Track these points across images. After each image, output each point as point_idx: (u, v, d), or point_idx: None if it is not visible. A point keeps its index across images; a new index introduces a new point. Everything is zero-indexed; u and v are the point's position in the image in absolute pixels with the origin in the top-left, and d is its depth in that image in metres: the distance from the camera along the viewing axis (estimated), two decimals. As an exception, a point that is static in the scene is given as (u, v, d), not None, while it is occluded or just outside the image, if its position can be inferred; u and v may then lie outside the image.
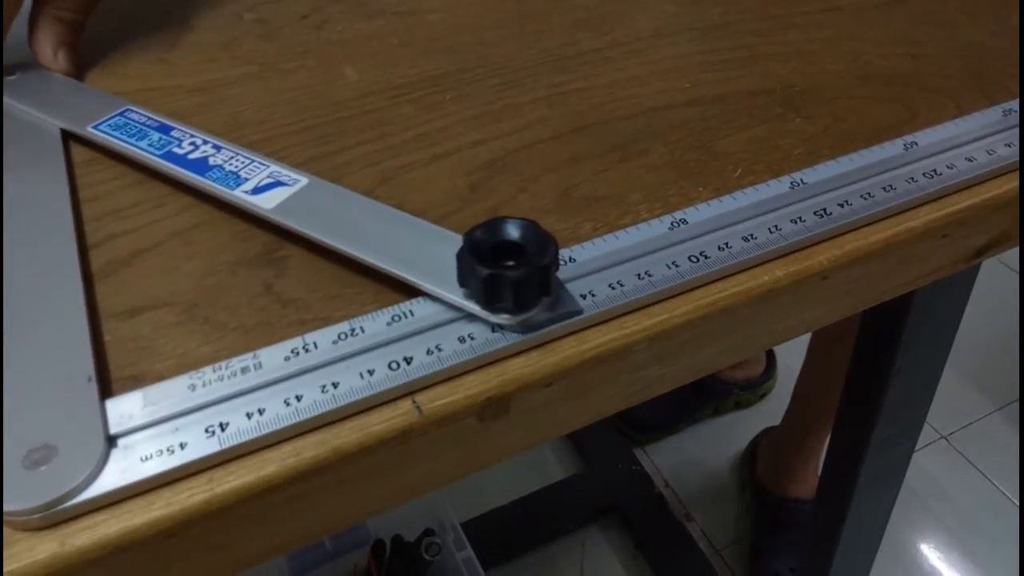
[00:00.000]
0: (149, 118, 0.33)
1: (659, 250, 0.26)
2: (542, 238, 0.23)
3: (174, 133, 0.32)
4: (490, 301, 0.23)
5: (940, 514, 1.11)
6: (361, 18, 0.43)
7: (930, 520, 1.11)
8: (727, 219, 0.27)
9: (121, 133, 0.32)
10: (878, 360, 0.55)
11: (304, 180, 0.29)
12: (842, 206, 0.27)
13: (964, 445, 1.20)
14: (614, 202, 0.30)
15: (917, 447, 0.71)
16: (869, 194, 0.28)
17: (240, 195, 0.28)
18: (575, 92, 0.36)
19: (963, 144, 0.31)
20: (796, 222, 0.27)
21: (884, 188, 0.28)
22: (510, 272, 0.22)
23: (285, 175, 0.29)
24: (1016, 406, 1.24)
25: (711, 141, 0.33)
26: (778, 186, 0.29)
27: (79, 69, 0.37)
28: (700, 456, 1.18)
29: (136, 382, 0.23)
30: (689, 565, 1.01)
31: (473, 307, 0.23)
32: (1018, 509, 1.11)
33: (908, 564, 1.06)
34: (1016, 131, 0.32)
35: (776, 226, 0.27)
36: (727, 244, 0.26)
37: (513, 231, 0.24)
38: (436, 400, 0.22)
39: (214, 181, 0.29)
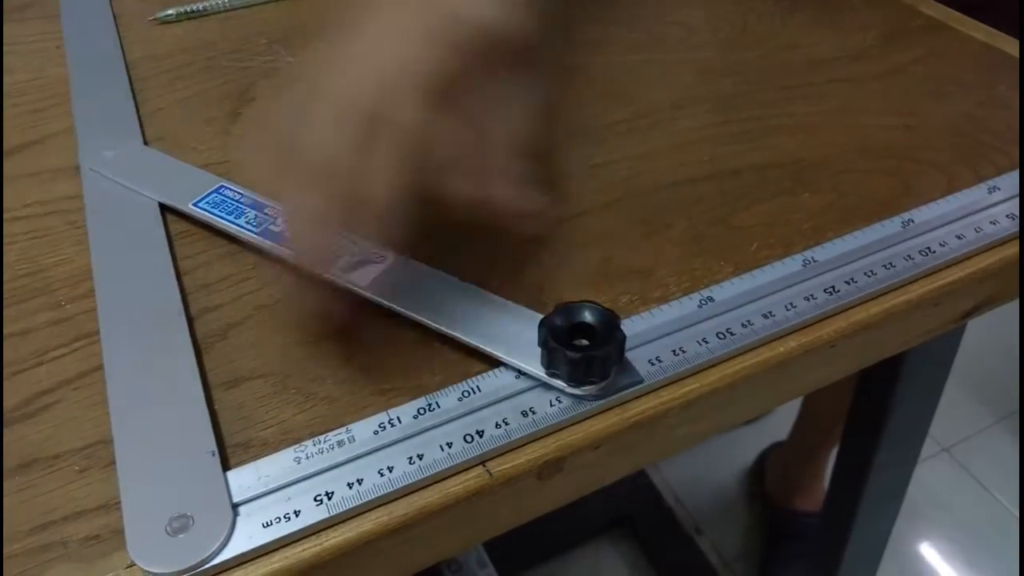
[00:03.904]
0: (243, 195, 0.36)
1: (691, 326, 0.30)
2: (610, 319, 0.27)
3: (267, 211, 0.35)
4: (575, 376, 0.27)
5: (941, 526, 1.15)
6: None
7: (932, 532, 1.14)
8: (748, 296, 0.31)
9: (220, 210, 0.35)
10: (880, 389, 0.59)
11: (389, 258, 0.32)
12: (849, 283, 0.31)
13: (965, 457, 1.24)
14: (645, 276, 0.34)
15: (919, 459, 0.74)
16: (872, 271, 0.32)
17: (336, 273, 0.31)
18: (603, 166, 0.40)
19: (954, 220, 0.35)
20: (809, 299, 0.31)
21: (885, 266, 0.32)
22: (594, 351, 0.26)
23: (372, 252, 0.32)
24: (1015, 418, 1.28)
25: (729, 215, 0.37)
26: (792, 264, 0.33)
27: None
28: (709, 470, 1.21)
29: (245, 449, 0.27)
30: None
31: (558, 382, 0.28)
32: (1017, 519, 1.15)
33: (909, 575, 1.10)
34: (1000, 208, 0.36)
35: (791, 303, 0.31)
36: (749, 322, 0.30)
37: (586, 315, 0.28)
38: (503, 465, 0.27)
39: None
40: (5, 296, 0.33)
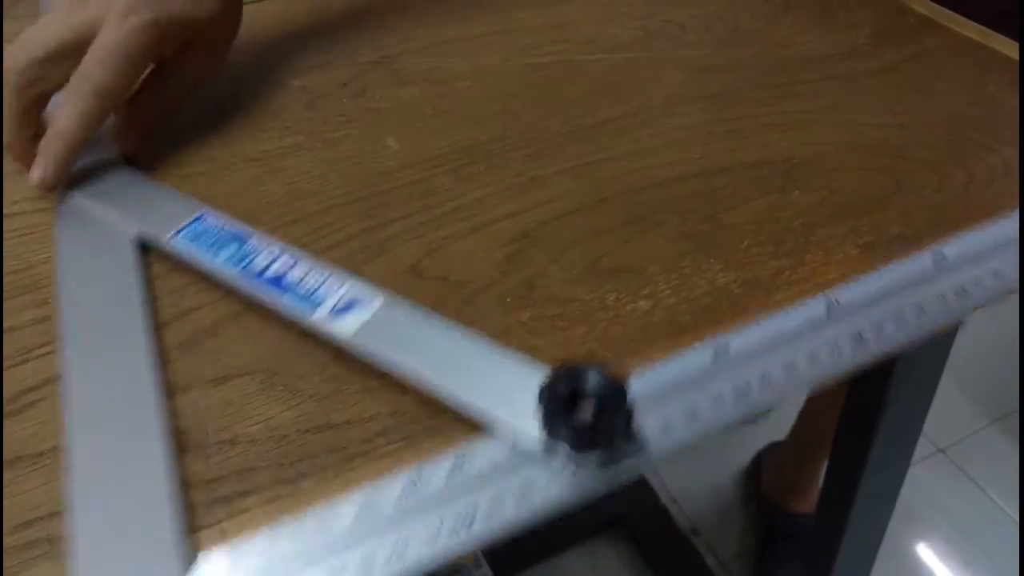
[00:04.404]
0: (224, 226, 0.34)
1: (704, 382, 0.28)
2: (617, 387, 0.25)
3: (251, 242, 0.34)
4: (578, 449, 0.25)
5: (937, 527, 1.15)
6: (396, 85, 0.47)
7: (928, 533, 1.14)
8: (770, 343, 0.29)
9: (199, 244, 0.33)
10: (873, 389, 0.59)
11: (379, 300, 0.31)
12: (879, 329, 0.30)
13: (961, 458, 1.24)
14: (635, 273, 0.34)
15: (914, 460, 0.74)
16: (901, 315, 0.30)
17: (319, 321, 0.30)
18: (597, 163, 0.40)
19: (984, 259, 0.33)
20: (834, 352, 0.29)
21: (915, 309, 0.31)
22: (605, 421, 0.24)
23: (361, 293, 0.31)
24: (1012, 418, 1.28)
25: (720, 212, 0.37)
26: (816, 305, 0.31)
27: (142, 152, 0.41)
28: (705, 470, 1.21)
29: (231, 445, 0.27)
30: (697, 577, 1.05)
31: (558, 455, 0.26)
32: (1013, 520, 1.15)
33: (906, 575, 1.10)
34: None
35: (814, 355, 0.29)
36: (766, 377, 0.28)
37: (590, 380, 0.25)
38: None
39: (295, 301, 0.31)
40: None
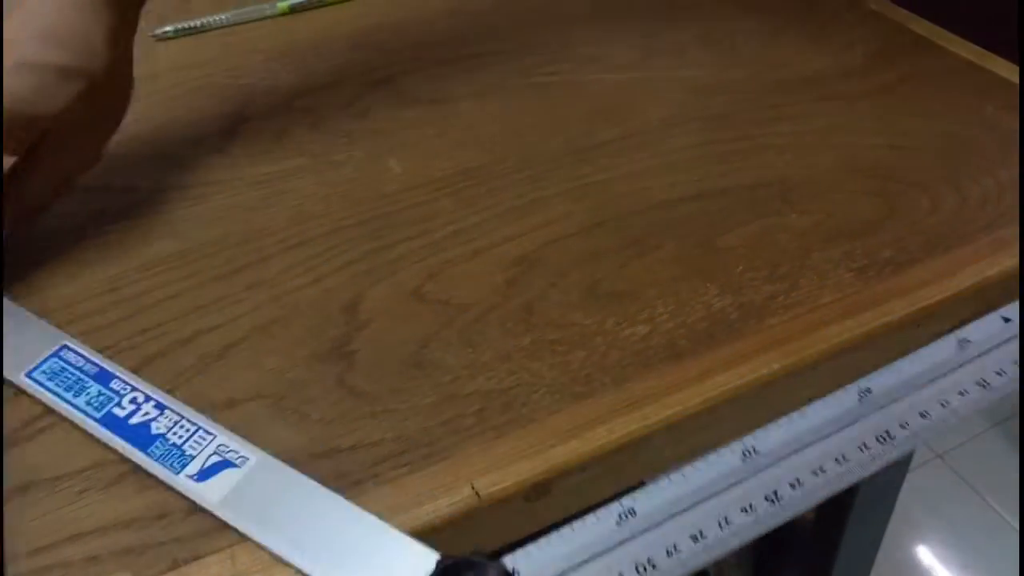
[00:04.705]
0: (87, 361, 0.31)
1: (605, 553, 0.25)
2: None
3: (114, 384, 0.30)
4: None
5: (936, 532, 1.16)
6: (399, 106, 0.48)
7: (927, 537, 1.15)
8: (681, 505, 0.26)
9: (56, 383, 0.30)
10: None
11: (253, 458, 0.28)
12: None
13: (959, 463, 1.24)
14: (633, 298, 0.34)
15: (913, 466, 0.75)
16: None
17: (184, 481, 0.27)
18: (595, 185, 0.41)
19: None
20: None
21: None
22: None
23: (233, 451, 0.28)
24: (1011, 424, 1.29)
25: (716, 236, 0.38)
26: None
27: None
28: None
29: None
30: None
31: None
32: (1012, 526, 1.15)
33: (905, 581, 1.11)
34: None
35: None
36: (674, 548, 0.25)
37: None
38: (491, 487, 0.27)
39: (157, 459, 0.28)
40: None
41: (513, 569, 0.24)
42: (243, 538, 0.26)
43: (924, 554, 1.13)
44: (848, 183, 0.41)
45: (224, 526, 0.26)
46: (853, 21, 0.55)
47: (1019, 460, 1.23)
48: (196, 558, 0.25)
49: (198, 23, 0.55)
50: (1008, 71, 0.49)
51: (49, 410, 0.30)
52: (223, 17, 0.56)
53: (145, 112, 0.46)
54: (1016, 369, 0.30)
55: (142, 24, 0.38)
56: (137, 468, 0.28)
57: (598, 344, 0.32)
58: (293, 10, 0.57)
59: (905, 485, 0.78)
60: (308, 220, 0.39)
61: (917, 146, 0.43)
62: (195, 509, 0.27)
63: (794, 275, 0.35)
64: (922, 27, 0.54)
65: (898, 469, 0.75)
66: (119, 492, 0.27)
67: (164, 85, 0.49)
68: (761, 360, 0.31)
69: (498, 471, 0.28)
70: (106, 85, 0.35)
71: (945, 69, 0.50)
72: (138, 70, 0.38)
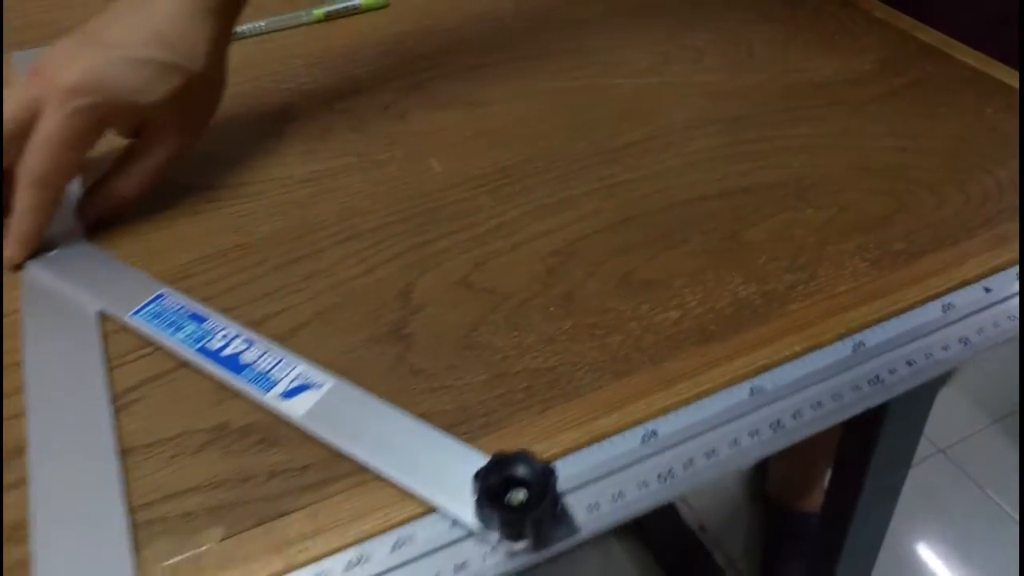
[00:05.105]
0: (183, 306, 0.36)
1: (632, 465, 0.29)
2: (545, 474, 0.27)
3: (207, 324, 0.35)
4: (510, 534, 0.27)
5: (938, 526, 1.18)
6: (435, 109, 0.51)
7: (929, 531, 1.17)
8: (691, 431, 0.30)
9: (159, 322, 0.35)
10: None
11: (330, 382, 0.32)
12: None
13: (961, 458, 1.27)
14: (664, 287, 0.37)
15: (915, 461, 0.77)
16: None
17: (271, 401, 0.31)
18: (622, 184, 0.44)
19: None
20: (753, 435, 0.31)
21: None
22: (528, 513, 0.26)
23: (313, 377, 0.32)
24: (1011, 419, 1.31)
25: (739, 230, 0.40)
26: (739, 392, 0.32)
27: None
28: (712, 471, 1.25)
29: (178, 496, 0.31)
30: (706, 573, 1.08)
31: (492, 535, 0.27)
32: (1013, 519, 1.18)
33: (907, 574, 1.13)
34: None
35: (735, 439, 0.30)
36: (691, 461, 0.29)
37: (520, 469, 0.27)
38: None
39: (249, 382, 0.32)
40: None
41: (553, 466, 0.27)
42: (324, 497, 0.29)
43: (926, 547, 1.16)
44: (860, 182, 0.44)
45: (302, 488, 0.29)
46: (860, 30, 0.58)
47: (1019, 454, 1.26)
48: (281, 515, 0.28)
49: (238, 30, 0.58)
50: (1008, 76, 0.52)
51: (148, 342, 0.34)
52: (261, 24, 0.59)
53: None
54: (995, 331, 0.35)
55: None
56: (219, 437, 0.31)
57: (633, 328, 0.35)
58: (328, 17, 0.60)
59: (908, 479, 0.80)
60: (356, 215, 0.42)
61: (924, 148, 0.46)
62: (276, 472, 0.30)
63: (813, 265, 0.38)
64: (927, 35, 0.56)
65: (902, 462, 0.77)
66: (206, 458, 0.30)
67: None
68: (784, 342, 0.34)
69: (547, 440, 0.31)
70: (201, 84, 0.40)
71: (949, 75, 0.53)
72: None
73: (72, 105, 0.36)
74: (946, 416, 1.29)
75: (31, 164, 0.36)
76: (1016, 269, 0.38)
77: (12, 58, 0.55)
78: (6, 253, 0.38)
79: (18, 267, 0.38)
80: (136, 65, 0.37)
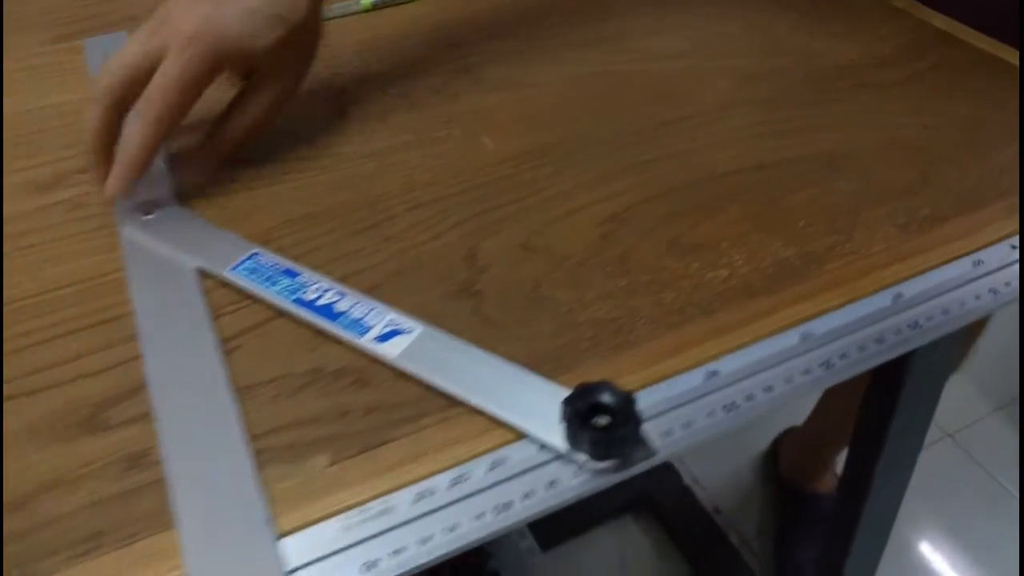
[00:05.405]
0: (276, 263, 0.39)
1: (699, 399, 0.33)
2: (627, 401, 0.30)
3: (300, 278, 0.38)
4: (596, 454, 0.30)
5: (945, 507, 1.21)
6: (483, 91, 0.54)
7: (936, 513, 1.21)
8: (751, 369, 0.34)
9: (256, 277, 0.38)
10: (888, 384, 0.65)
11: (418, 328, 0.35)
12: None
13: (968, 443, 1.30)
14: (711, 248, 0.40)
15: (924, 445, 0.81)
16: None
17: (368, 344, 0.34)
18: (659, 160, 0.47)
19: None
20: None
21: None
22: (613, 433, 0.29)
23: (402, 322, 0.35)
24: (1016, 406, 1.35)
25: (778, 198, 0.44)
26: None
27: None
28: (725, 453, 1.28)
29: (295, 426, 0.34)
30: (721, 553, 1.11)
31: (580, 456, 0.30)
32: (1014, 497, 1.21)
33: (915, 554, 1.17)
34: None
35: (790, 378, 0.34)
36: (751, 396, 0.33)
37: (605, 397, 0.30)
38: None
39: (344, 328, 0.35)
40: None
41: (635, 396, 0.31)
42: (419, 429, 0.32)
43: (933, 529, 1.19)
44: (888, 156, 0.47)
45: (397, 421, 0.32)
46: (880, 18, 0.61)
47: (1019, 440, 1.29)
48: (382, 443, 0.31)
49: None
50: (1015, 58, 0.55)
51: (245, 296, 0.38)
52: (310, 14, 0.62)
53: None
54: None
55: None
56: (316, 379, 0.34)
57: (685, 285, 0.38)
58: (375, 7, 0.63)
59: (918, 461, 0.83)
60: (417, 188, 0.45)
61: (944, 125, 0.49)
62: (372, 409, 0.33)
63: (848, 229, 0.41)
64: (943, 22, 0.60)
65: (912, 446, 0.80)
66: (305, 398, 0.33)
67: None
68: (823, 297, 0.37)
69: (617, 380, 0.33)
70: (302, 32, 0.45)
71: (965, 59, 0.56)
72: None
73: (192, 51, 0.40)
74: (954, 403, 1.32)
75: (152, 103, 0.40)
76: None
77: (85, 45, 0.58)
78: (109, 182, 0.41)
79: (121, 197, 0.41)
80: (248, 15, 0.42)
